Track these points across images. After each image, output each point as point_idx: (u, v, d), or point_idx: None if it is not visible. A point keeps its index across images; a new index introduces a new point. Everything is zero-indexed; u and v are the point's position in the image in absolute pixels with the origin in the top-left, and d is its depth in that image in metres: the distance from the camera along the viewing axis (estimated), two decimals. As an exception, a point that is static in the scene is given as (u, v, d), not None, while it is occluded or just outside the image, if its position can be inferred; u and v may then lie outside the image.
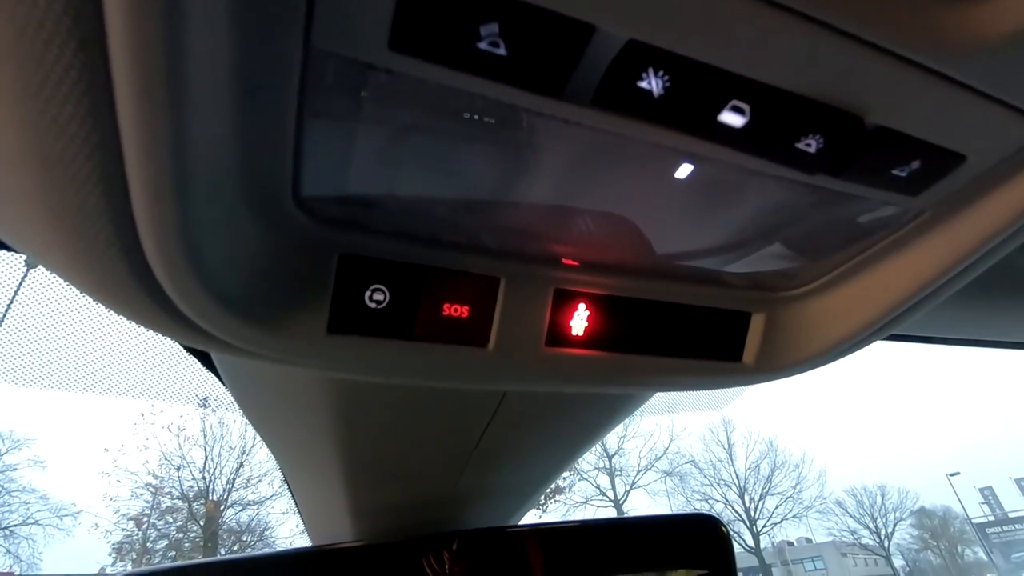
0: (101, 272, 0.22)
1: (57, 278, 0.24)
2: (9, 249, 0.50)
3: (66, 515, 15.51)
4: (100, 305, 0.26)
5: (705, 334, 0.41)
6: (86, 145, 0.18)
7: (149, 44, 0.16)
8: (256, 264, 0.27)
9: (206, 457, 15.51)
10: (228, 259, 0.25)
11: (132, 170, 0.19)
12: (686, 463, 20.66)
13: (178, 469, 15.26)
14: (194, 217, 0.22)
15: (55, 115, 0.17)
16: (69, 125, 0.18)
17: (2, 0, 0.15)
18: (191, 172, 0.20)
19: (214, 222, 0.23)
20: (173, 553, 14.52)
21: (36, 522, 15.13)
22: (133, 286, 0.23)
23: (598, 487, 19.08)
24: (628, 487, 19.36)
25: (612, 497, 18.92)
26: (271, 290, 0.28)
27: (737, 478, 20.44)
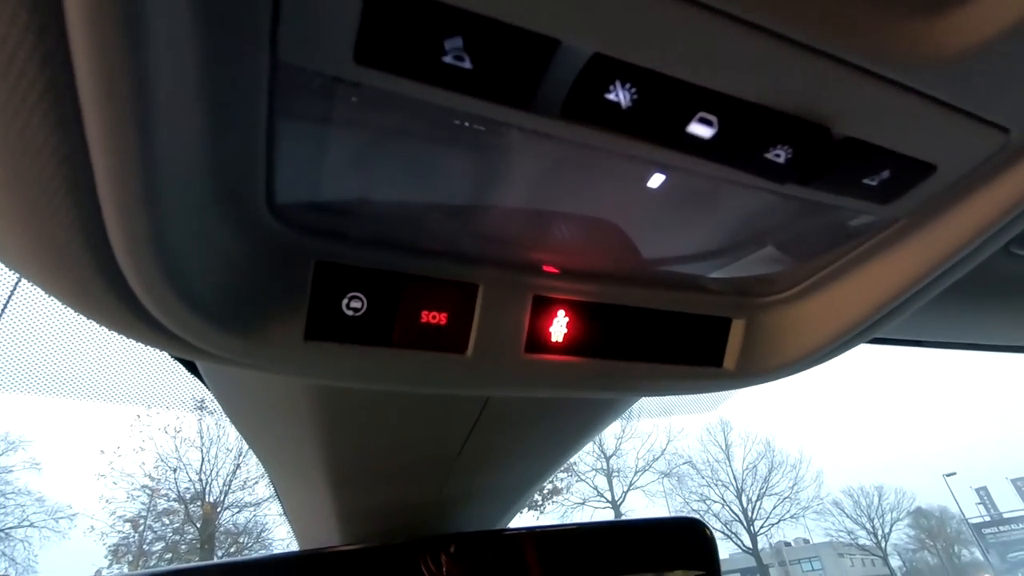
0: (75, 281, 0.23)
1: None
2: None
3: (62, 517, 15.46)
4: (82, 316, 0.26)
5: (685, 340, 0.41)
6: (54, 158, 0.18)
7: (112, 59, 0.16)
8: (232, 272, 0.28)
9: (203, 459, 15.48)
10: (203, 267, 0.26)
11: (101, 181, 0.19)
12: (683, 464, 20.69)
13: (175, 471, 15.22)
14: (165, 226, 0.22)
15: (21, 128, 0.17)
16: (35, 137, 0.18)
17: None
18: (160, 182, 0.20)
19: (187, 230, 0.24)
20: (169, 555, 14.47)
21: (32, 524, 15.08)
22: (108, 295, 0.23)
23: (596, 488, 19.09)
24: (626, 488, 19.37)
25: (610, 498, 18.93)
26: (248, 298, 0.29)
27: (735, 479, 20.46)
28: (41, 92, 0.17)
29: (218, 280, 0.27)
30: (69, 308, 0.25)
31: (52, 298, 0.26)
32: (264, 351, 0.30)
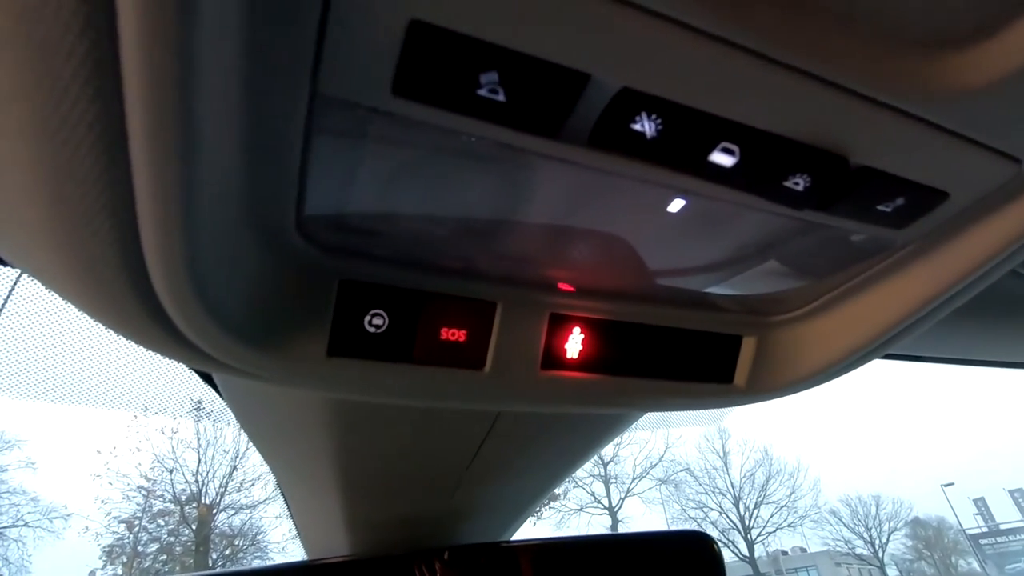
0: (110, 300, 0.23)
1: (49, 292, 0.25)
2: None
3: (56, 517, 15.38)
4: (109, 330, 0.26)
5: (697, 357, 0.42)
6: (98, 183, 0.19)
7: (162, 90, 0.16)
8: (259, 290, 0.28)
9: (199, 460, 15.42)
10: (232, 286, 0.26)
11: (142, 205, 0.20)
12: (681, 471, 20.64)
13: (171, 472, 15.16)
14: (201, 248, 0.22)
15: (70, 156, 0.18)
16: (82, 165, 0.18)
17: (23, 46, 0.15)
18: (197, 207, 0.21)
19: (220, 252, 0.24)
20: (164, 557, 14.39)
21: (26, 524, 14.99)
22: (140, 313, 0.24)
23: (593, 495, 19.02)
24: (623, 495, 19.32)
25: (607, 504, 18.87)
26: (273, 315, 0.29)
27: (732, 486, 20.41)
28: (91, 122, 0.17)
29: (245, 298, 0.27)
30: (100, 324, 0.26)
31: (68, 307, 0.26)
32: (288, 367, 0.30)
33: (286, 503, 0.85)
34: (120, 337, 0.28)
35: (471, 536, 0.73)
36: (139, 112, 0.17)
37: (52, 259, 0.22)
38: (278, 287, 0.29)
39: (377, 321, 0.32)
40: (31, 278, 0.25)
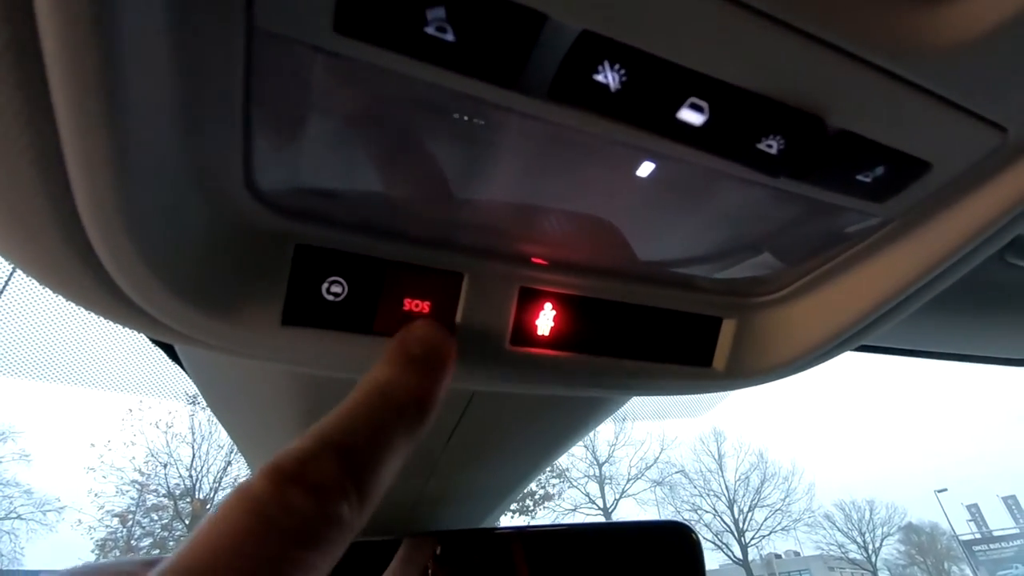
0: (43, 253, 0.22)
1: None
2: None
3: (50, 510, 15.37)
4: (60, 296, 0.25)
5: (675, 338, 0.40)
6: (16, 121, 0.18)
7: (77, 12, 0.15)
8: (207, 251, 0.27)
9: (194, 455, 15.41)
10: (177, 244, 0.25)
11: (67, 147, 0.18)
12: (676, 473, 20.65)
13: (165, 466, 15.15)
14: (137, 199, 0.21)
15: None
16: (1, 111, 0.17)
17: None
18: (130, 150, 0.19)
19: (161, 206, 0.23)
20: (157, 551, 14.37)
21: (19, 516, 14.98)
22: (77, 268, 0.23)
23: (587, 495, 19.03)
24: (618, 496, 19.33)
25: (601, 505, 18.88)
26: (223, 278, 0.28)
27: (727, 489, 20.44)
28: (1, 48, 0.16)
29: (193, 259, 0.26)
30: (37, 281, 0.24)
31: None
32: (240, 334, 0.29)
33: None
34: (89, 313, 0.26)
35: (449, 523, 0.72)
36: (52, 33, 0.16)
37: None
38: (228, 249, 0.28)
39: (336, 289, 0.30)
40: None
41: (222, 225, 0.27)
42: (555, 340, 0.36)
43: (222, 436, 15.30)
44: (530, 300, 0.35)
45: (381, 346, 0.32)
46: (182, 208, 0.25)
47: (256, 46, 0.21)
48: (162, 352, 0.61)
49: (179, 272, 0.25)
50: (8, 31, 0.16)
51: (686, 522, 0.77)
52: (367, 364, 0.32)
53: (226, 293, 0.28)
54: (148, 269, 0.23)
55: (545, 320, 0.36)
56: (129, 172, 0.20)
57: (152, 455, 15.17)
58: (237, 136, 0.24)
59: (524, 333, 0.35)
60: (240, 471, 15.37)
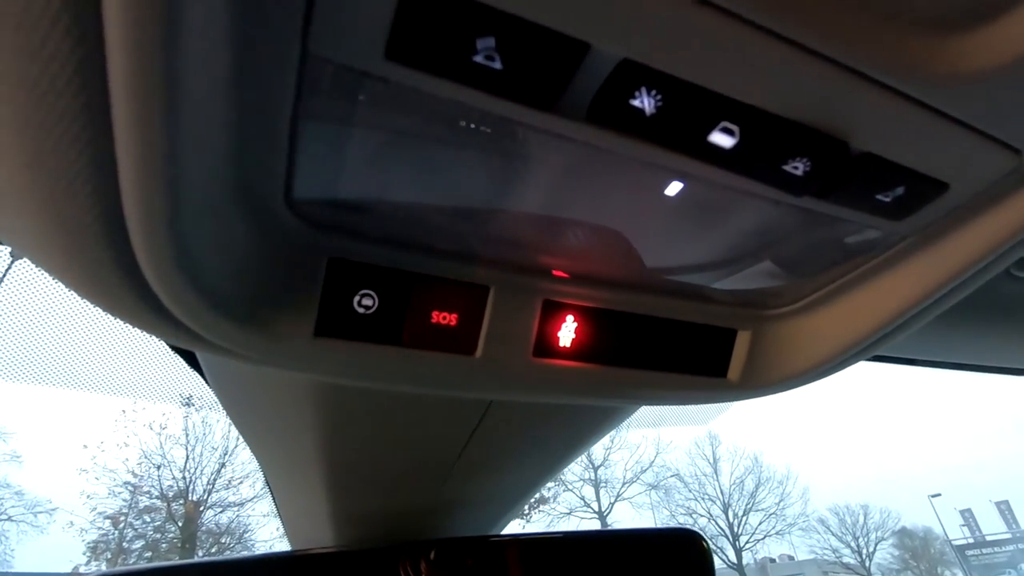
0: (89, 268, 0.22)
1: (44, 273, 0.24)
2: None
3: (41, 512, 15.21)
4: (89, 303, 0.26)
5: (691, 349, 0.41)
6: (77, 141, 0.18)
7: (145, 43, 0.16)
8: (245, 265, 0.27)
9: (187, 457, 15.29)
10: (217, 259, 0.25)
11: (123, 167, 0.19)
12: (671, 477, 20.65)
13: (158, 468, 15.03)
14: (184, 215, 0.22)
15: (48, 111, 0.17)
16: (61, 121, 0.18)
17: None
18: (181, 171, 0.20)
19: (204, 222, 0.23)
20: (149, 554, 14.25)
21: (10, 518, 14.82)
22: (120, 283, 0.23)
23: (583, 498, 19.01)
24: (613, 499, 19.31)
25: (596, 509, 18.85)
26: (259, 291, 0.28)
27: (721, 493, 20.44)
28: (71, 74, 0.17)
29: (231, 272, 0.27)
30: (78, 295, 0.25)
31: (53, 282, 0.26)
32: (274, 346, 0.29)
33: (271, 492, 0.84)
34: (110, 317, 0.27)
35: (458, 530, 0.72)
36: (120, 61, 0.16)
37: (31, 225, 0.21)
38: (265, 263, 0.28)
39: (367, 302, 0.31)
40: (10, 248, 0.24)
41: (260, 239, 0.28)
42: (576, 352, 0.37)
43: (216, 438, 15.23)
44: (553, 312, 0.36)
45: (409, 357, 0.32)
46: (224, 224, 0.25)
47: (308, 71, 0.21)
48: (179, 358, 0.61)
49: (216, 285, 0.26)
50: (75, 57, 0.16)
51: (695, 529, 0.77)
52: (396, 375, 0.33)
53: (261, 306, 0.28)
54: (188, 282, 0.24)
55: (567, 332, 0.36)
56: (177, 189, 0.20)
57: (145, 457, 15.06)
58: (281, 155, 0.25)
59: (547, 345, 0.36)
60: (233, 473, 15.30)
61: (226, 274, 0.26)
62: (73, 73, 0.17)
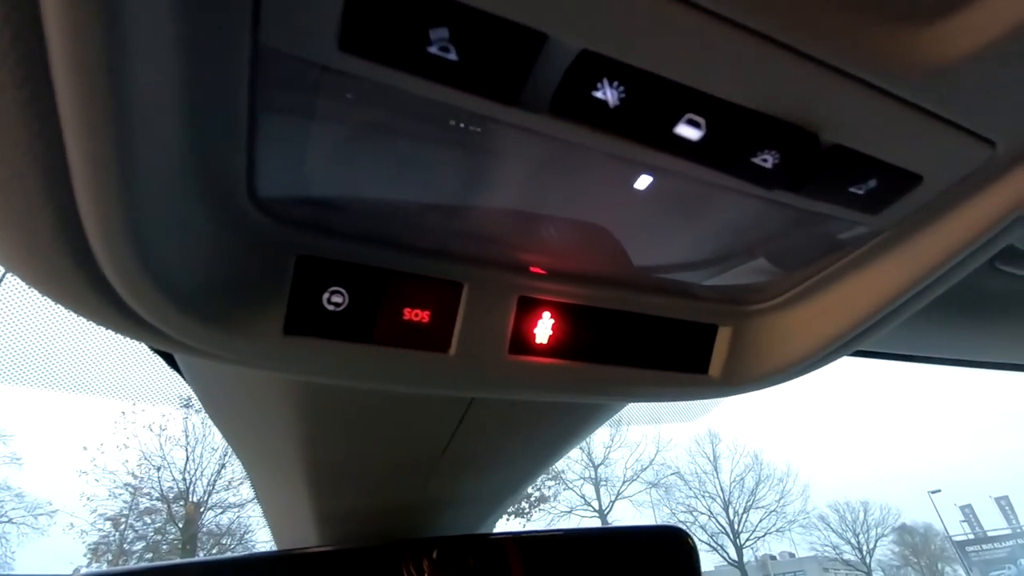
0: (48, 266, 0.22)
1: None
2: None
3: (41, 514, 15.20)
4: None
5: (672, 346, 0.41)
6: (24, 138, 0.18)
7: (88, 37, 0.16)
8: (211, 262, 0.27)
9: (187, 458, 15.28)
10: (180, 256, 0.25)
11: (74, 165, 0.19)
12: (671, 474, 20.66)
13: (158, 469, 15.02)
14: (141, 212, 0.21)
15: None
16: (5, 117, 0.17)
17: None
18: (136, 168, 0.20)
19: (165, 218, 0.23)
20: (150, 555, 14.25)
21: (10, 520, 14.81)
22: (81, 281, 0.23)
23: (583, 497, 19.01)
24: (613, 497, 19.32)
25: (597, 507, 18.86)
26: (226, 289, 0.28)
27: (722, 491, 20.45)
28: (11, 68, 0.16)
29: (195, 270, 0.26)
30: (40, 293, 0.25)
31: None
32: (242, 344, 0.29)
33: (255, 491, 0.84)
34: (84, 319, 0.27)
35: (446, 529, 0.72)
36: (62, 56, 0.16)
37: None
38: (231, 260, 0.28)
39: (336, 299, 0.31)
40: None
41: (225, 236, 0.27)
42: (553, 348, 0.36)
43: (216, 439, 15.19)
44: (529, 309, 0.35)
45: (381, 355, 0.32)
46: (186, 219, 0.25)
47: (261, 62, 0.21)
48: (160, 359, 0.61)
49: (182, 284, 0.26)
50: (16, 45, 0.16)
51: (682, 526, 0.78)
52: (368, 373, 0.33)
53: (228, 304, 0.28)
54: (151, 281, 0.24)
55: (543, 329, 0.36)
56: (133, 183, 0.20)
57: (145, 458, 15.04)
58: (241, 149, 0.24)
59: (523, 342, 0.35)
60: (234, 473, 15.28)
61: (191, 271, 0.26)
62: (14, 67, 0.16)
